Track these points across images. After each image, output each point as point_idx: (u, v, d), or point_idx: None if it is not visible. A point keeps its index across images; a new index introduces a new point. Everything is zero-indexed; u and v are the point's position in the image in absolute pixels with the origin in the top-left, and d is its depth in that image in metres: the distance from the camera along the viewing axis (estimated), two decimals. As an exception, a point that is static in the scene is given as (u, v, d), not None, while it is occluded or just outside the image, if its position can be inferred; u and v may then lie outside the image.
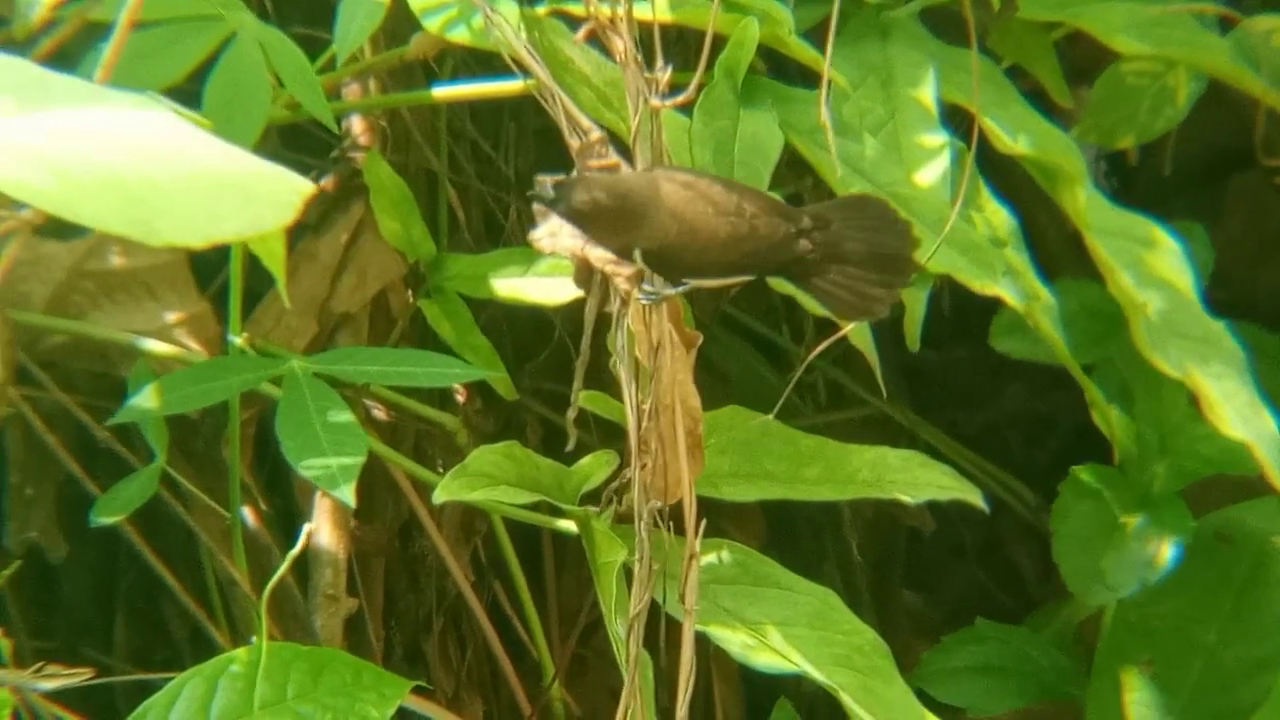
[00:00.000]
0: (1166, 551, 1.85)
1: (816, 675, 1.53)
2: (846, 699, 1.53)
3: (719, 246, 1.36)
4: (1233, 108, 2.03)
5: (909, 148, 1.64)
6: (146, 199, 0.83)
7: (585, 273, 1.45)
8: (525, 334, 2.05)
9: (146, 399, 1.53)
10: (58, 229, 1.57)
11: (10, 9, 1.49)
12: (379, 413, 1.83)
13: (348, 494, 1.46)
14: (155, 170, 0.85)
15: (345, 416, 1.50)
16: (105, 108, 0.89)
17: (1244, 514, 1.93)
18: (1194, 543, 1.87)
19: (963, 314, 1.87)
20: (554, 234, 1.42)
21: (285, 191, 0.89)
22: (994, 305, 1.67)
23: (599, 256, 1.40)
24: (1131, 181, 2.27)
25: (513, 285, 1.74)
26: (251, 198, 0.87)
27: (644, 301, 1.38)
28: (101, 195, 0.82)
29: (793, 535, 2.28)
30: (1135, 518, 1.88)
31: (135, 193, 0.83)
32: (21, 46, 1.48)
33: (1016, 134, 1.67)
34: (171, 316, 1.70)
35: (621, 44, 1.41)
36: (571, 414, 1.53)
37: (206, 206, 0.85)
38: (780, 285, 1.59)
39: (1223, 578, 1.92)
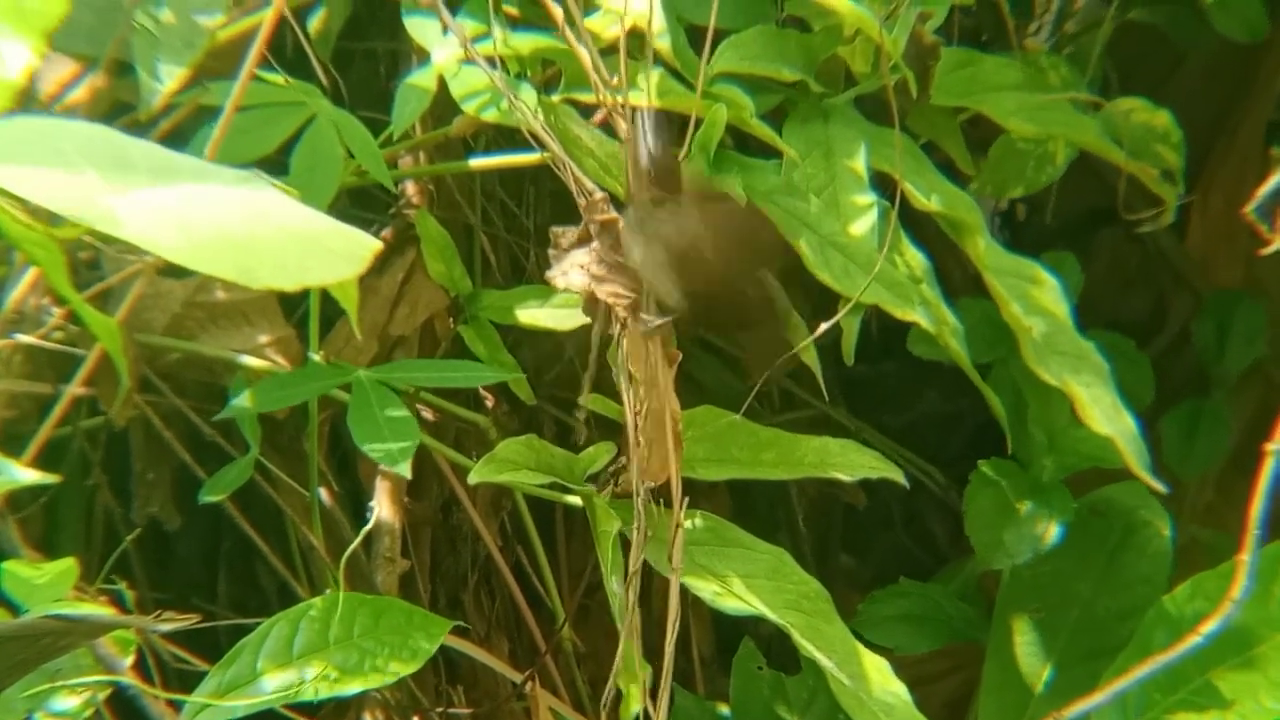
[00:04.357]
0: (1053, 530, 1.87)
1: (772, 616, 1.55)
2: (796, 635, 1.55)
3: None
4: (1100, 176, 2.05)
5: (845, 205, 1.65)
6: (250, 252, 0.85)
7: (592, 304, 1.47)
8: (542, 353, 2.06)
9: (244, 400, 1.55)
10: (175, 269, 1.58)
11: (136, 97, 1.50)
12: (427, 414, 1.84)
13: (405, 469, 1.48)
14: (257, 230, 0.87)
15: (402, 412, 1.52)
16: (218, 181, 0.90)
17: (1115, 493, 1.94)
18: (1074, 515, 1.88)
19: (887, 336, 1.88)
20: (566, 273, 1.44)
21: (358, 248, 0.91)
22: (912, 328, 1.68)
23: (603, 291, 1.42)
24: (1020, 233, 2.29)
25: (532, 314, 1.75)
26: (332, 253, 0.89)
27: (642, 332, 1.40)
28: (215, 249, 0.84)
29: (752, 511, 2.29)
30: (1028, 503, 1.90)
31: (241, 247, 0.85)
32: (144, 127, 1.50)
33: (930, 195, 1.68)
34: (263, 338, 1.71)
35: (623, 124, 1.43)
36: (581, 415, 1.54)
37: (297, 259, 0.87)
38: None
39: (1097, 544, 1.93)
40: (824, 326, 1.51)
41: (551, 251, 1.46)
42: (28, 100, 1.49)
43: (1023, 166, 1.93)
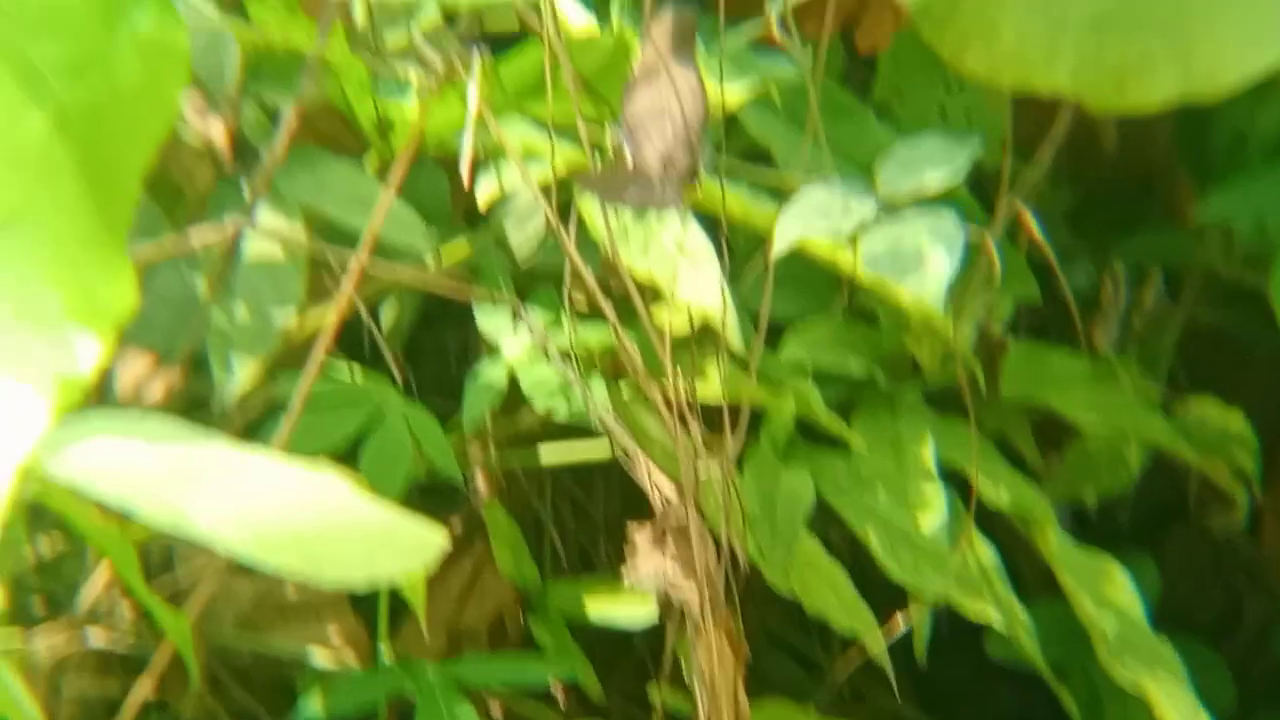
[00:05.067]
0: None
1: None
2: None
3: None
4: (1172, 472, 2.04)
5: (914, 499, 1.65)
6: (319, 550, 0.85)
7: (666, 606, 1.47)
8: (611, 647, 2.04)
9: (314, 705, 1.54)
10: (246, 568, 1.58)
11: (210, 391, 1.52)
12: (495, 711, 1.82)
13: None
14: (325, 526, 0.87)
15: (467, 709, 1.50)
16: (288, 476, 0.90)
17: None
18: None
19: (958, 631, 1.85)
20: (639, 571, 1.44)
21: (425, 543, 0.91)
22: (983, 625, 1.66)
23: (676, 594, 1.42)
24: (1091, 529, 2.27)
25: (603, 610, 1.74)
26: (398, 548, 0.89)
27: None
28: (283, 546, 0.84)
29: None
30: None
31: (310, 545, 0.85)
32: (216, 420, 1.51)
33: (999, 490, 1.68)
34: (332, 633, 1.70)
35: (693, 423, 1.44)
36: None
37: (364, 556, 0.87)
38: (811, 606, 1.60)
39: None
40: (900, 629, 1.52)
41: (626, 548, 1.46)
42: (103, 397, 1.51)
43: (1097, 471, 1.92)
